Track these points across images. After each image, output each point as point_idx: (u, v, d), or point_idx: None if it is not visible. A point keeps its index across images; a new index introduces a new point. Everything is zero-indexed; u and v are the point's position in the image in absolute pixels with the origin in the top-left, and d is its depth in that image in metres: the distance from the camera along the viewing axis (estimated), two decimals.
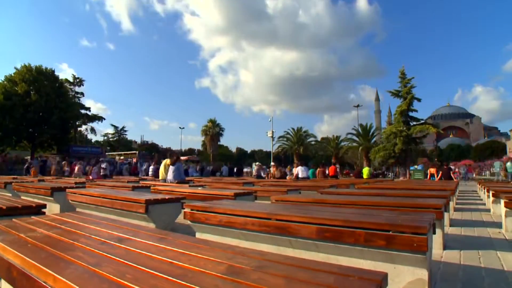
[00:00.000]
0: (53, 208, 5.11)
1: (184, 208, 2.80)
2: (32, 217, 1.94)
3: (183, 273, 0.91)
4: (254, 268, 0.91)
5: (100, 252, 1.14)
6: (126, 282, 0.84)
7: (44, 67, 20.92)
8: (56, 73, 21.73)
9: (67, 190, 4.59)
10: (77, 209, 4.46)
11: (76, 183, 7.36)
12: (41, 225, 1.67)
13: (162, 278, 0.87)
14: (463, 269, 2.43)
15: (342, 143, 37.38)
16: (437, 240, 3.02)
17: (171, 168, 7.24)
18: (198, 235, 2.80)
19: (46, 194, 4.97)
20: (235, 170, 17.15)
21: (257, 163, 16.22)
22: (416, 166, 25.01)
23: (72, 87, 26.78)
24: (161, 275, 0.89)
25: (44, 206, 2.58)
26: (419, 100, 26.46)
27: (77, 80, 27.01)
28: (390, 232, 1.74)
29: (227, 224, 2.41)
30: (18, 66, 20.29)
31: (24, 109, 19.11)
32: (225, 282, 0.83)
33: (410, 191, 4.81)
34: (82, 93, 28.31)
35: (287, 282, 0.80)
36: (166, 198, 3.39)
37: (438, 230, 3.01)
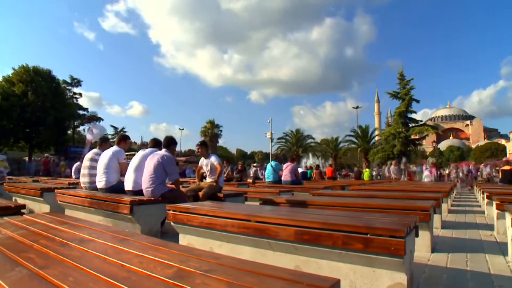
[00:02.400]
0: (43, 209, 5.06)
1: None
2: (5, 218, 1.90)
3: (128, 276, 0.87)
4: (203, 272, 0.87)
5: (54, 254, 1.10)
6: (64, 285, 0.81)
7: (41, 68, 20.95)
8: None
9: (56, 191, 4.54)
10: (66, 210, 4.42)
11: (69, 183, 7.32)
12: (9, 226, 1.63)
13: (104, 281, 0.84)
14: (448, 273, 2.38)
15: (341, 145, 37.33)
16: (425, 242, 2.98)
17: None
18: (181, 236, 2.76)
19: (36, 194, 4.92)
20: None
21: (254, 164, 16.15)
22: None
23: (69, 87, 26.77)
24: (104, 278, 0.85)
25: (23, 206, 2.54)
26: (417, 101, 26.47)
27: (75, 80, 27.00)
28: (368, 235, 1.70)
29: (208, 226, 2.37)
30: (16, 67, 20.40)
31: (21, 110, 19.08)
32: (166, 286, 0.79)
33: (403, 193, 4.76)
34: (79, 94, 28.32)
35: (229, 287, 0.76)
36: (152, 199, 3.34)
37: (425, 233, 2.98)
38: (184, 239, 2.72)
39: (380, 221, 1.84)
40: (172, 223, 2.70)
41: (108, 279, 0.84)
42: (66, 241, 1.28)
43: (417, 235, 2.07)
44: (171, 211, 2.67)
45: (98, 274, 0.88)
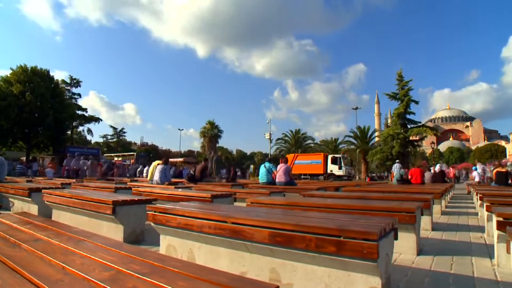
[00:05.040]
0: (32, 210, 5.02)
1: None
2: None
3: (61, 278, 0.83)
4: (140, 275, 0.83)
5: None
6: None
7: (39, 68, 20.96)
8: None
9: (43, 191, 4.50)
10: (54, 211, 4.38)
11: (62, 183, 7.28)
12: None
13: (33, 283, 0.81)
14: (431, 276, 2.33)
15: (340, 146, 37.29)
16: (410, 245, 2.93)
17: (158, 170, 7.17)
18: (161, 238, 2.72)
19: (24, 195, 4.88)
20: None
21: (250, 166, 16.13)
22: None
23: (68, 88, 26.78)
24: (35, 280, 0.82)
25: None
26: (416, 102, 26.44)
27: (74, 81, 27.03)
28: (341, 238, 1.66)
29: (185, 227, 2.33)
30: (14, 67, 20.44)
31: (19, 110, 19.09)
32: None
33: (394, 194, 4.71)
34: (79, 94, 28.34)
35: None
36: (135, 199, 3.30)
37: (411, 235, 2.93)
38: (165, 241, 2.68)
39: (355, 223, 1.79)
40: (152, 224, 2.66)
41: (39, 281, 0.80)
42: (19, 242, 1.24)
43: (396, 238, 2.02)
44: (151, 212, 2.63)
45: (31, 276, 0.84)
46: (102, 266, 0.92)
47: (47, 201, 4.34)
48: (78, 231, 1.48)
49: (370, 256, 1.58)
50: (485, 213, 3.92)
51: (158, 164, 7.57)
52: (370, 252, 1.57)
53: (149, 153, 41.27)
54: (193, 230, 2.28)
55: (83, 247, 1.16)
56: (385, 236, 1.76)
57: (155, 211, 2.61)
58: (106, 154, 36.78)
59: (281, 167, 7.39)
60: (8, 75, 20.01)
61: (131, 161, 29.68)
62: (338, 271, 1.76)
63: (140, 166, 19.97)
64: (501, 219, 2.49)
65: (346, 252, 1.64)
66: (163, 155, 39.02)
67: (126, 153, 37.43)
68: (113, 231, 3.29)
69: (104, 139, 48.03)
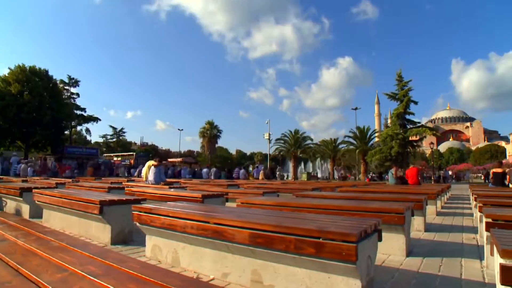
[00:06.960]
0: (24, 209, 5.00)
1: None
2: None
3: (11, 280, 0.81)
4: (92, 277, 0.81)
5: None
6: None
7: (38, 67, 20.96)
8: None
9: (33, 190, 4.47)
10: (44, 210, 4.35)
11: (57, 183, 7.25)
12: None
13: None
14: (418, 278, 2.29)
15: (340, 146, 37.21)
16: (400, 246, 2.89)
17: (152, 170, 7.15)
18: (147, 238, 2.69)
19: (16, 194, 4.86)
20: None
21: (250, 166, 16.21)
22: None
23: (67, 87, 26.75)
24: None
25: None
26: (416, 103, 26.40)
27: (73, 80, 27.00)
28: (320, 239, 1.63)
29: (169, 227, 2.30)
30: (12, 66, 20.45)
31: (17, 109, 19.08)
32: None
33: (388, 195, 4.68)
34: (77, 94, 28.26)
35: None
36: (123, 199, 3.26)
37: (400, 236, 2.90)
38: (150, 241, 2.65)
39: (336, 224, 1.76)
40: (137, 224, 2.64)
41: None
42: None
43: (380, 239, 1.99)
44: (136, 212, 2.61)
45: None
46: (58, 267, 0.90)
47: (37, 201, 4.31)
48: (48, 231, 1.46)
49: (349, 258, 1.56)
50: (478, 214, 3.89)
51: (152, 165, 7.54)
52: (349, 254, 1.55)
53: (149, 153, 41.17)
54: (177, 231, 2.25)
55: (47, 247, 1.13)
56: (366, 238, 1.73)
57: (140, 211, 2.59)
58: (105, 154, 36.74)
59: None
60: (6, 75, 20.03)
61: (131, 161, 29.65)
62: (319, 273, 1.74)
63: (140, 166, 19.97)
64: (490, 220, 2.46)
65: (326, 254, 1.61)
66: (163, 156, 39.02)
67: (125, 153, 37.35)
68: (101, 231, 3.27)
69: (104, 139, 47.95)
